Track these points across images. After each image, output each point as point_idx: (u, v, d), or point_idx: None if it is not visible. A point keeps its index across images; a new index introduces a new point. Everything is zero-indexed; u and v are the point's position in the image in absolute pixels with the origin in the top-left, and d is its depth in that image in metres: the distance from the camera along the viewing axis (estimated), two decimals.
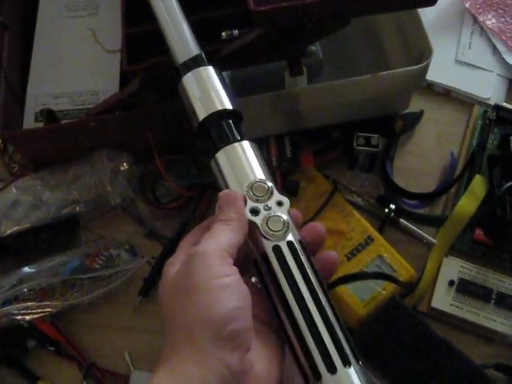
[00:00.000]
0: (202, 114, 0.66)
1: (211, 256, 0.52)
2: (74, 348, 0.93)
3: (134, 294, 0.97)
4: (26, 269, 0.94)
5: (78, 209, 0.99)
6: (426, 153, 1.09)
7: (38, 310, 0.91)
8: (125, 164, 0.99)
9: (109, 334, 0.96)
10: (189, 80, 0.69)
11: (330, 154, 1.05)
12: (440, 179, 1.06)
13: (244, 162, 0.61)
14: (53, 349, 0.94)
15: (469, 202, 0.97)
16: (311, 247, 0.59)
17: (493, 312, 0.92)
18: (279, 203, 0.58)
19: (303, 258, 0.56)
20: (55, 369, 0.94)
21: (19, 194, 0.99)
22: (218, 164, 0.62)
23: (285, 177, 1.00)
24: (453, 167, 1.05)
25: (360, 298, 0.90)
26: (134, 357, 0.94)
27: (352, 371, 0.51)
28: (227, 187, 0.60)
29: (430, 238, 0.98)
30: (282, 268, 0.55)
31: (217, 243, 0.54)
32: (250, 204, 0.58)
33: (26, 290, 0.92)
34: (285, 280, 0.54)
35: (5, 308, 0.90)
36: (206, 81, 0.69)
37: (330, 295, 0.55)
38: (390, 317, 0.86)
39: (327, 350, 0.51)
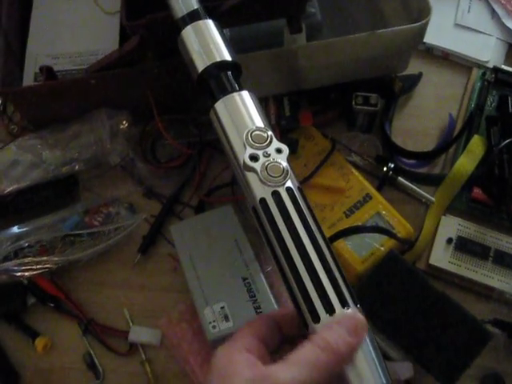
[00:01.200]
0: (200, 66, 0.67)
1: None
2: (73, 304, 0.94)
3: (133, 252, 0.98)
4: (26, 226, 0.95)
5: (77, 167, 0.99)
6: (425, 115, 1.09)
7: (38, 267, 0.92)
8: (124, 122, 0.99)
9: (108, 291, 0.97)
10: (188, 33, 0.69)
11: (328, 113, 1.05)
12: (438, 140, 1.06)
13: (243, 110, 0.62)
14: (52, 305, 0.94)
15: (467, 161, 0.97)
16: None
17: (490, 269, 0.92)
18: (278, 150, 0.58)
19: (302, 205, 0.56)
20: (55, 325, 0.95)
21: (19, 153, 0.98)
22: (216, 114, 0.62)
23: (284, 135, 1.01)
24: (451, 128, 1.05)
25: (358, 254, 0.90)
26: (132, 313, 0.94)
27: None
28: (226, 137, 0.60)
29: (429, 196, 0.98)
30: (281, 213, 0.55)
31: (294, 377, 0.46)
32: (250, 150, 0.58)
33: (26, 245, 0.92)
34: (284, 225, 0.55)
35: (5, 264, 0.91)
36: (205, 34, 0.69)
37: None
38: (388, 270, 0.86)
39: (326, 293, 0.52)
